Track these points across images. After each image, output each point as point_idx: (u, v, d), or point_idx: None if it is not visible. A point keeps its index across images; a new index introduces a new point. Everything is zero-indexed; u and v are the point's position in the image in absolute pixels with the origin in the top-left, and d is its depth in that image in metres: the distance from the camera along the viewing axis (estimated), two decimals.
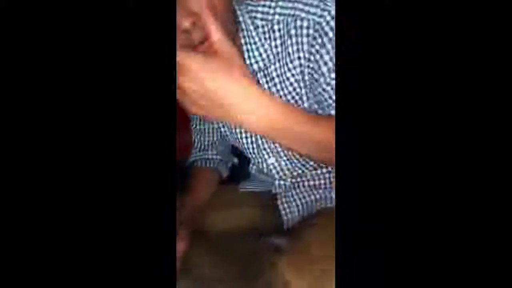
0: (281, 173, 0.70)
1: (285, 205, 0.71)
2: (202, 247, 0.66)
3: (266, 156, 0.68)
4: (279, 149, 0.67)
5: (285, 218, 0.71)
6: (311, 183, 0.70)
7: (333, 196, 0.69)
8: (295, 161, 0.68)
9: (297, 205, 0.70)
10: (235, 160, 0.87)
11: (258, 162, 0.71)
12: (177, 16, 0.42)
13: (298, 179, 0.71)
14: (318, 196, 0.70)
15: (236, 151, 0.86)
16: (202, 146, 0.82)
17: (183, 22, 0.43)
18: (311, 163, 0.67)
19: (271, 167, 0.69)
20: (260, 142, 0.68)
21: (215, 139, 0.81)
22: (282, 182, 0.72)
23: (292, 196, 0.71)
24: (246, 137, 0.69)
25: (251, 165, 0.80)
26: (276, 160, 0.68)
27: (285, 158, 0.68)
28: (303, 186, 0.70)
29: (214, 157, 0.81)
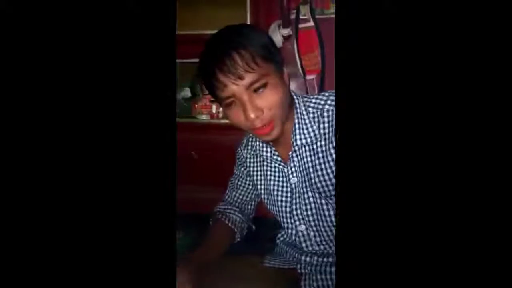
0: (308, 243, 0.72)
1: (307, 287, 0.68)
2: None
3: (297, 223, 0.72)
4: (311, 218, 0.70)
5: None
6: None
7: None
8: (323, 233, 0.69)
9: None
10: (253, 227, 0.88)
11: (288, 228, 0.74)
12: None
13: (325, 259, 0.69)
14: None
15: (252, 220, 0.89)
16: (231, 201, 0.86)
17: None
18: None
19: (300, 234, 0.72)
20: (294, 207, 0.72)
21: (246, 198, 0.85)
22: (308, 259, 0.71)
23: (317, 280, 0.68)
24: (281, 201, 0.73)
25: (279, 235, 0.80)
26: (306, 229, 0.71)
27: (315, 228, 0.70)
28: (329, 272, 0.68)
29: (237, 216, 0.83)
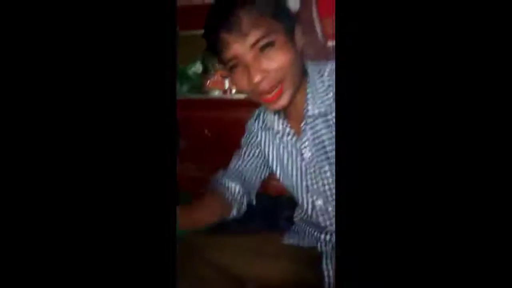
0: (326, 217, 0.68)
1: (328, 266, 0.66)
2: None
3: (314, 197, 0.68)
4: (328, 193, 0.65)
5: (326, 280, 0.66)
6: None
7: None
8: None
9: None
10: (253, 200, 0.79)
11: (305, 203, 0.70)
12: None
13: None
14: None
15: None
16: (232, 168, 0.76)
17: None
18: None
19: (317, 208, 0.68)
20: (310, 182, 0.67)
21: (250, 166, 0.76)
22: (328, 237, 0.68)
23: None
24: (297, 176, 0.69)
25: (295, 214, 0.77)
26: (324, 203, 0.67)
27: (333, 203, 0.66)
28: None
29: (236, 185, 0.74)
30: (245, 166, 0.76)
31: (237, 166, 0.77)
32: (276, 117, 0.70)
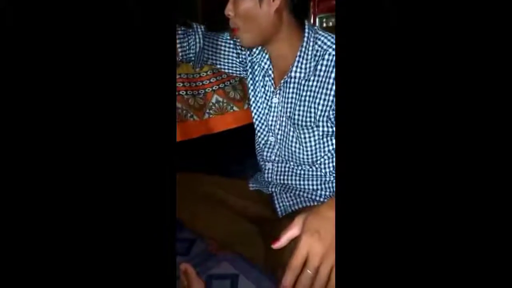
0: (270, 150, 0.87)
1: (276, 194, 0.87)
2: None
3: (269, 134, 0.85)
4: (279, 137, 0.83)
5: (277, 211, 0.88)
6: (296, 192, 0.87)
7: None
8: (285, 148, 0.84)
9: (289, 202, 0.88)
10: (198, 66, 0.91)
11: (260, 134, 0.87)
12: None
13: (284, 164, 0.88)
14: (304, 198, 0.87)
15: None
16: (212, 36, 0.86)
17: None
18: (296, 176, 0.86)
19: (268, 143, 0.86)
20: (270, 123, 0.84)
21: (226, 56, 0.87)
22: (270, 165, 0.88)
23: (286, 197, 0.89)
24: (262, 113, 0.84)
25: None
26: (275, 141, 0.85)
27: (279, 142, 0.84)
28: (291, 192, 0.89)
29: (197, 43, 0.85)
30: (221, 47, 0.86)
31: (215, 37, 0.87)
32: (269, 61, 0.81)
